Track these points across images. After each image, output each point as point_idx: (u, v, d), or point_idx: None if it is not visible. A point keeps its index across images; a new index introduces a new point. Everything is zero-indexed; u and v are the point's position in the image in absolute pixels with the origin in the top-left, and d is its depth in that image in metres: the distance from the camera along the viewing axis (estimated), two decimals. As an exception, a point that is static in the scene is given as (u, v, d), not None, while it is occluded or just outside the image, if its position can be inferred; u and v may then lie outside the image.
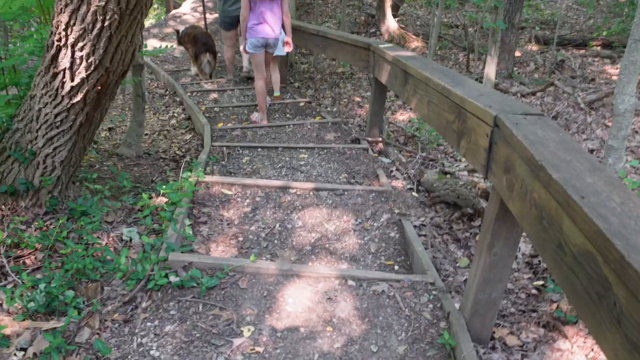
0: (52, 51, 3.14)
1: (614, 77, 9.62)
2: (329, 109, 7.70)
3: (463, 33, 13.65)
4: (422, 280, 3.03)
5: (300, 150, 5.27)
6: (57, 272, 3.18)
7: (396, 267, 3.48)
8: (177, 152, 5.84)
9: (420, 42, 12.88)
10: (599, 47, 11.66)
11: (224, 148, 5.16)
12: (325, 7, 15.24)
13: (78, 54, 3.07)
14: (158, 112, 7.62)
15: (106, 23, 2.91)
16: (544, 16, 15.20)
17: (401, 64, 4.24)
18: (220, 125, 6.36)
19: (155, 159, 5.61)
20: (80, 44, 3.02)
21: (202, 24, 11.14)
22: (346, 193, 4.23)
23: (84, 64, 3.12)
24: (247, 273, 3.07)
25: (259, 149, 5.27)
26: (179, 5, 14.74)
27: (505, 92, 8.64)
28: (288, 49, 6.20)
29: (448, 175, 4.89)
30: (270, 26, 5.77)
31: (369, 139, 5.61)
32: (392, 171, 4.98)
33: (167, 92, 8.56)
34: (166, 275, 3.02)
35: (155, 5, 14.58)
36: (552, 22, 14.93)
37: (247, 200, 4.09)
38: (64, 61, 3.13)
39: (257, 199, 4.12)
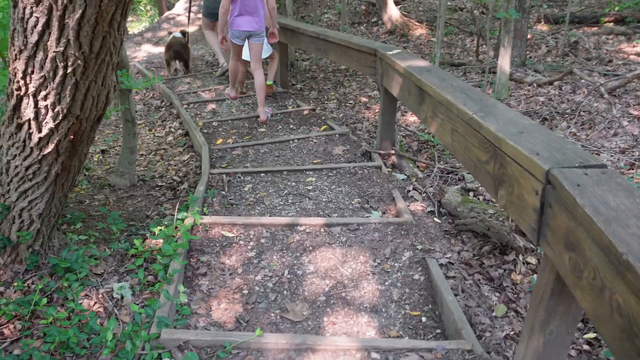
0: (13, 101, 2.70)
1: (632, 57, 9.09)
2: (334, 114, 7.23)
3: (469, 17, 13.11)
4: (459, 348, 2.58)
5: (307, 172, 4.82)
6: (37, 344, 2.79)
7: (424, 319, 3.04)
8: (175, 177, 5.40)
9: (424, 29, 12.36)
10: (611, 24, 11.09)
11: (224, 176, 4.72)
12: (323, -3, 14.71)
13: (42, 104, 2.63)
14: (154, 127, 7.18)
15: (69, 70, 2.46)
16: (551, -7, 14.61)
17: (415, 79, 3.77)
18: (219, 142, 5.92)
19: (151, 187, 5.17)
20: (43, 93, 2.58)
21: (195, 24, 10.66)
22: (361, 228, 3.78)
23: (50, 113, 2.68)
24: (252, 349, 2.63)
25: (262, 174, 4.82)
26: (173, 6, 14.26)
27: (521, 82, 8.14)
28: (273, 39, 6.37)
29: (471, 195, 4.44)
30: (252, 18, 5.85)
31: (381, 152, 5.16)
32: (408, 191, 4.52)
33: (163, 103, 8.11)
34: (159, 356, 2.59)
35: (149, 7, 14.11)
36: (560, -1, 14.35)
37: (251, 243, 3.65)
38: (27, 111, 2.68)
39: (262, 240, 3.68)
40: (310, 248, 3.59)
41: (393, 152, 5.15)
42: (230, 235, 3.70)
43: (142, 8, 13.85)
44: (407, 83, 4.08)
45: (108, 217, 4.04)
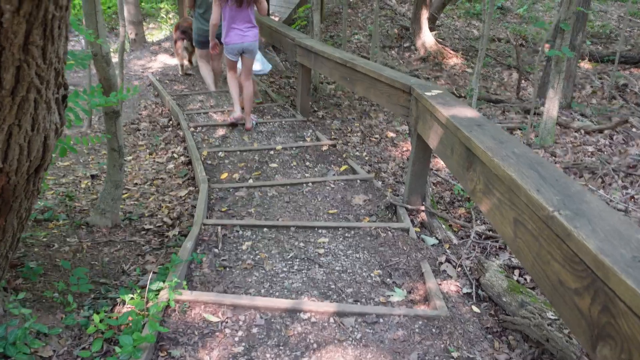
0: None
1: (689, 106, 8.24)
2: (357, 149, 6.45)
3: (508, 48, 12.30)
4: None
5: (320, 231, 4.03)
6: None
7: None
8: (166, 218, 4.64)
9: (459, 59, 11.58)
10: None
11: (219, 228, 3.94)
12: (355, 17, 14.00)
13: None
14: (155, 152, 6.45)
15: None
16: (594, 28, 13.78)
17: (462, 136, 2.98)
18: (224, 176, 5.17)
19: (136, 229, 4.41)
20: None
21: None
22: (381, 321, 2.97)
23: (-39, 168, 1.93)
24: None
25: (265, 229, 4.04)
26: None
27: (566, 127, 7.31)
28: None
29: (517, 274, 3.62)
30: (246, 32, 5.95)
31: (408, 206, 4.37)
32: (440, 263, 3.72)
33: (171, 122, 7.39)
34: None
35: (170, 15, 13.48)
36: (604, 35, 13.50)
37: (240, 333, 2.85)
38: None
39: (254, 329, 2.88)
40: (315, 345, 2.79)
41: (423, 208, 4.35)
42: (215, 319, 2.91)
43: (164, 15, 13.20)
44: (449, 137, 3.29)
45: (71, 276, 3.29)
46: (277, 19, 11.95)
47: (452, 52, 11.81)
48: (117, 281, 3.58)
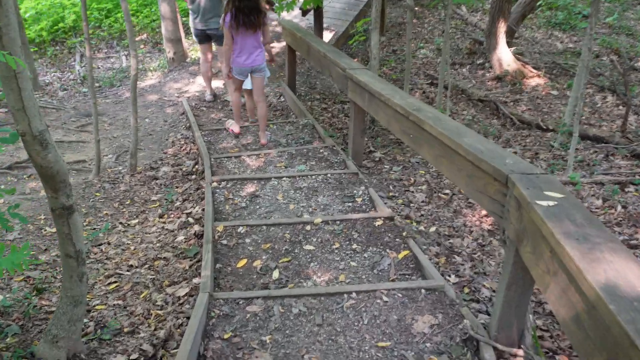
0: None
1: None
2: (422, 215, 5.01)
3: (598, 64, 10.54)
4: None
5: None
6: None
7: None
8: (150, 339, 3.33)
9: (542, 79, 9.92)
10: None
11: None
12: (421, 28, 12.49)
13: None
14: (168, 212, 5.17)
15: None
16: None
17: (611, 318, 1.53)
18: (242, 264, 3.85)
19: (103, 361, 3.12)
20: None
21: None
22: None
23: None
24: None
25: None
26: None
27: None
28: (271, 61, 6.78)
29: None
30: (255, 55, 6.13)
31: (498, 345, 2.92)
32: None
33: (196, 167, 6.12)
34: None
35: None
36: None
37: None
38: None
39: None
40: None
41: (521, 353, 2.89)
42: None
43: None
44: (594, 319, 1.83)
45: None
46: (332, 33, 10.58)
47: (533, 70, 10.17)
48: None
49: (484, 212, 5.07)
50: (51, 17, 12.15)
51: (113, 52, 11.65)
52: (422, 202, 5.29)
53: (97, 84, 10.10)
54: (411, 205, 5.17)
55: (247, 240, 4.21)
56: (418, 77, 10.16)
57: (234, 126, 6.86)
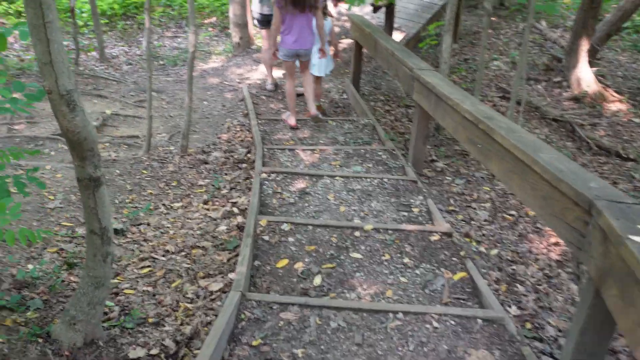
0: None
1: None
2: (483, 234, 4.62)
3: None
4: None
5: None
6: None
7: None
8: (176, 332, 3.07)
9: (624, 104, 9.30)
10: None
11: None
12: (496, 39, 11.96)
13: None
14: (213, 199, 4.92)
15: None
16: None
17: None
18: (282, 264, 3.57)
19: (122, 352, 2.87)
20: None
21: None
22: None
23: None
24: None
25: None
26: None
27: None
28: (322, 56, 6.33)
29: None
30: (302, 38, 5.91)
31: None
32: None
33: (248, 155, 5.87)
34: None
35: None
36: None
37: None
38: None
39: None
40: None
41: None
42: None
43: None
44: None
45: None
46: (402, 35, 10.21)
47: (615, 94, 9.56)
48: None
49: (552, 240, 4.64)
50: (125, -9, 12.19)
51: (181, 32, 11.56)
52: (485, 220, 4.89)
53: (160, 62, 10.01)
54: (472, 222, 4.78)
55: (291, 239, 3.92)
56: (489, 89, 9.70)
57: (290, 118, 6.57)
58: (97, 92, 7.52)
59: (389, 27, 9.15)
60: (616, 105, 9.26)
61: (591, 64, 9.83)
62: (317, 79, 7.11)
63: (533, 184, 2.90)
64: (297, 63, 6.42)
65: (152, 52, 10.42)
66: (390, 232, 4.08)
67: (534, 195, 2.90)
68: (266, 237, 3.90)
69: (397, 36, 10.14)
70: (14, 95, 2.62)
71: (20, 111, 2.66)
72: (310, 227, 4.06)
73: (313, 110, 6.37)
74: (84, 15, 11.07)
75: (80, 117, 2.35)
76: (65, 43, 9.39)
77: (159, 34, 11.67)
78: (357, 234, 4.03)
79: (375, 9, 9.58)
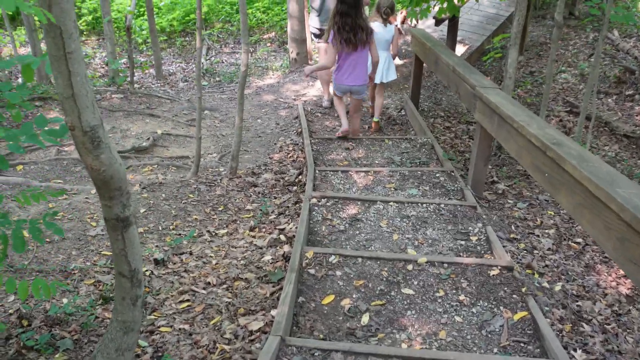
0: None
1: None
2: (547, 264, 4.25)
3: None
4: None
5: None
6: None
7: None
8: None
9: None
10: None
11: None
12: (564, 51, 11.43)
13: None
14: (259, 225, 4.73)
15: None
16: None
17: None
18: (328, 301, 3.33)
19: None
20: None
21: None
22: None
23: None
24: None
25: None
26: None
27: None
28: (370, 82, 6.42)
29: None
30: (356, 75, 5.91)
31: None
32: None
33: (300, 177, 5.66)
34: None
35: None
36: None
37: None
38: None
39: None
40: None
41: None
42: None
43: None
44: None
45: None
46: (465, 48, 9.83)
47: (696, 110, 8.93)
48: None
49: (622, 272, 4.23)
50: (184, 7, 12.23)
51: (239, 48, 11.51)
52: (548, 249, 4.51)
53: (217, 79, 9.97)
54: (535, 252, 4.42)
55: (338, 273, 3.66)
56: (556, 103, 9.21)
57: (342, 128, 6.43)
58: (149, 111, 7.48)
59: (451, 40, 8.81)
60: (694, 119, 8.63)
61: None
62: (380, 88, 7.01)
63: (608, 222, 2.56)
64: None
65: (209, 68, 10.40)
66: (445, 265, 3.77)
67: (607, 235, 2.55)
68: (312, 271, 3.65)
69: (460, 49, 9.77)
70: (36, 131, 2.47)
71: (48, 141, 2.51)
72: (360, 260, 3.79)
73: (345, 125, 6.38)
74: (143, 32, 11.15)
75: (106, 154, 2.16)
76: (122, 61, 9.50)
77: (217, 49, 11.67)
78: (409, 267, 3.74)
79: (438, 22, 9.26)
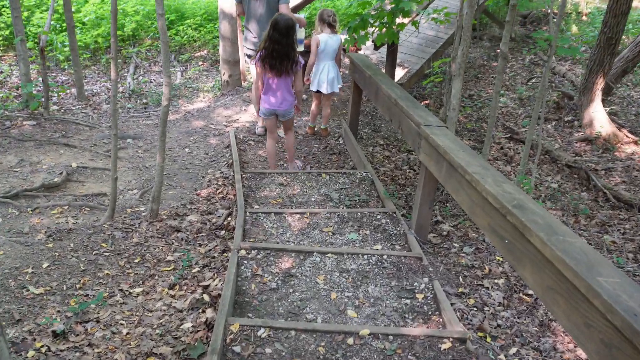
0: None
1: None
2: (498, 321, 3.88)
3: None
4: None
5: None
6: None
7: None
8: None
9: (639, 146, 8.61)
10: None
11: None
12: (503, 73, 11.28)
13: None
14: (180, 282, 4.17)
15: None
16: None
17: None
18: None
19: None
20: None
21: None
22: None
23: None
24: None
25: None
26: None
27: None
28: (296, 111, 6.19)
29: None
30: (280, 98, 5.84)
31: None
32: None
33: (228, 220, 5.13)
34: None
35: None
36: None
37: None
38: None
39: None
40: None
41: None
42: None
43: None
44: None
45: None
46: (404, 71, 9.52)
47: (629, 135, 8.86)
48: None
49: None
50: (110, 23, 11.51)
51: (170, 66, 10.89)
52: (499, 304, 4.14)
53: (144, 101, 9.33)
54: (485, 309, 4.03)
55: (268, 351, 3.16)
56: (496, 128, 9.01)
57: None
58: (65, 140, 6.79)
59: (390, 64, 8.48)
60: (631, 147, 8.56)
61: (604, 102, 9.15)
62: (326, 99, 7.20)
63: (588, 318, 2.14)
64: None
65: (136, 89, 9.75)
66: (391, 337, 3.32)
67: (589, 334, 2.13)
68: (237, 349, 3.14)
69: (400, 72, 9.45)
70: None
71: None
72: (293, 333, 3.30)
73: (291, 168, 6.43)
74: (65, 49, 10.39)
75: None
76: (35, 84, 8.76)
77: (146, 68, 11.02)
78: (350, 341, 3.27)
79: (377, 46, 8.93)
